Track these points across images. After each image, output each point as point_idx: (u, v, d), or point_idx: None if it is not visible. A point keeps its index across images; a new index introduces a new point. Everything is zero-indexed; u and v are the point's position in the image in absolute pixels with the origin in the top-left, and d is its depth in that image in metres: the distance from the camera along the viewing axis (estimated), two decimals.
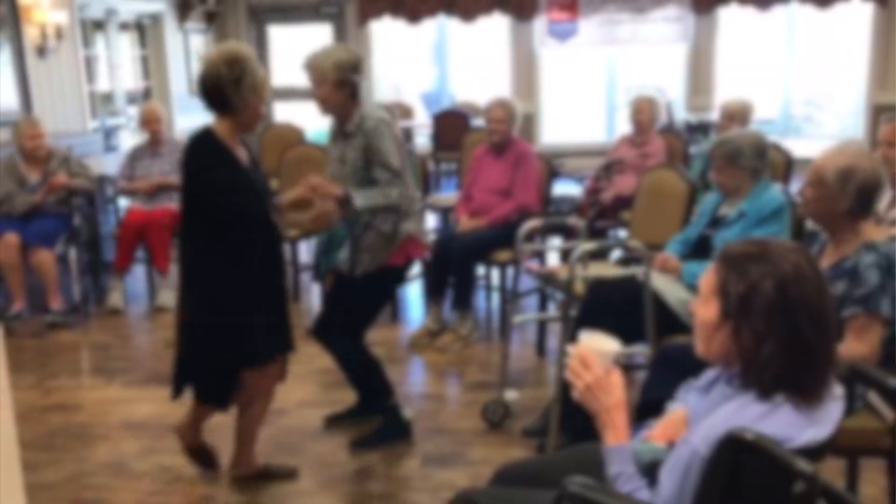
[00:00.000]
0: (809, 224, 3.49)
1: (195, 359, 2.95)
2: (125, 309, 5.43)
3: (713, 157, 3.46)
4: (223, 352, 2.88)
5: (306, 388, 4.02)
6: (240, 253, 2.81)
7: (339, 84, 3.13)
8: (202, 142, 2.84)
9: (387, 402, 3.46)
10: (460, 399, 4.02)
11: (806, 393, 1.52)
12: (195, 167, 2.80)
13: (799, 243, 1.62)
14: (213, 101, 2.81)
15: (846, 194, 2.46)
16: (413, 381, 4.34)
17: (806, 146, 6.88)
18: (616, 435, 1.64)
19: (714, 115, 5.44)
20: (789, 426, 1.49)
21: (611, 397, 1.65)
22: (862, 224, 2.53)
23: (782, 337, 1.50)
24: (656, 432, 1.70)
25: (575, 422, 2.86)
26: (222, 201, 2.76)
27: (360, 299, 3.32)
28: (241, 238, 2.81)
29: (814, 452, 1.49)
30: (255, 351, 2.92)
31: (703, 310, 1.61)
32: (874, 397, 2.55)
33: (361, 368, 3.45)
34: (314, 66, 3.16)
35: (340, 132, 3.27)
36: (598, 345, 1.70)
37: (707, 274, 1.62)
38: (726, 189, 3.42)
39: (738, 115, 5.04)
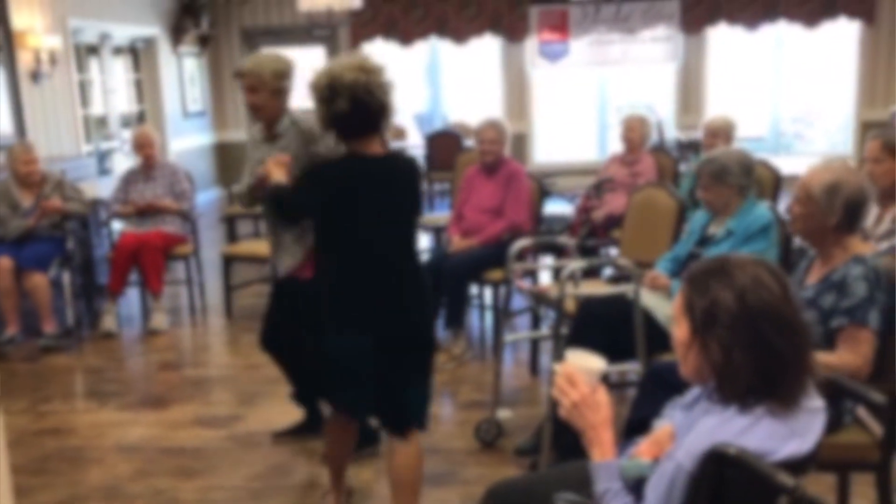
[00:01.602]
0: (797, 241, 3.53)
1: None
2: (119, 332, 5.43)
3: (699, 175, 3.49)
4: None
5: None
6: None
7: (277, 92, 3.16)
8: (412, 159, 2.85)
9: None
10: (453, 418, 4.03)
11: (782, 399, 1.55)
12: (417, 181, 2.76)
13: (762, 257, 1.66)
14: (370, 128, 2.57)
15: (833, 209, 2.50)
16: None
17: (795, 163, 6.93)
18: (602, 452, 1.66)
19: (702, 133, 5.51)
20: (771, 439, 1.52)
21: (597, 415, 1.67)
22: (849, 239, 2.57)
23: (748, 345, 1.55)
24: (642, 448, 1.72)
25: (567, 440, 2.87)
26: None
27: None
28: None
29: (797, 465, 1.51)
30: None
31: (677, 330, 1.66)
32: (863, 412, 2.58)
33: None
34: (252, 72, 3.15)
35: (267, 136, 3.26)
36: (584, 363, 1.72)
37: (677, 296, 1.67)
38: (714, 207, 3.46)
39: (721, 132, 5.08)
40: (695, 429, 1.57)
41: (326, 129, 2.59)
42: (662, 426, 1.75)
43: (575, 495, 1.78)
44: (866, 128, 9.17)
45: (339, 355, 2.61)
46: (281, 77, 3.16)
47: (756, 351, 1.54)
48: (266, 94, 3.15)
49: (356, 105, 2.47)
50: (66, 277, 5.39)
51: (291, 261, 3.16)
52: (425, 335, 2.71)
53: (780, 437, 1.52)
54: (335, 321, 2.61)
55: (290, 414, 3.78)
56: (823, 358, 2.43)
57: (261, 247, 5.11)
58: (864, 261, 2.50)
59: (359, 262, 2.58)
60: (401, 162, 2.72)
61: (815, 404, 1.60)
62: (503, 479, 2.17)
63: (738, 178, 3.36)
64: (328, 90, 2.49)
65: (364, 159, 2.58)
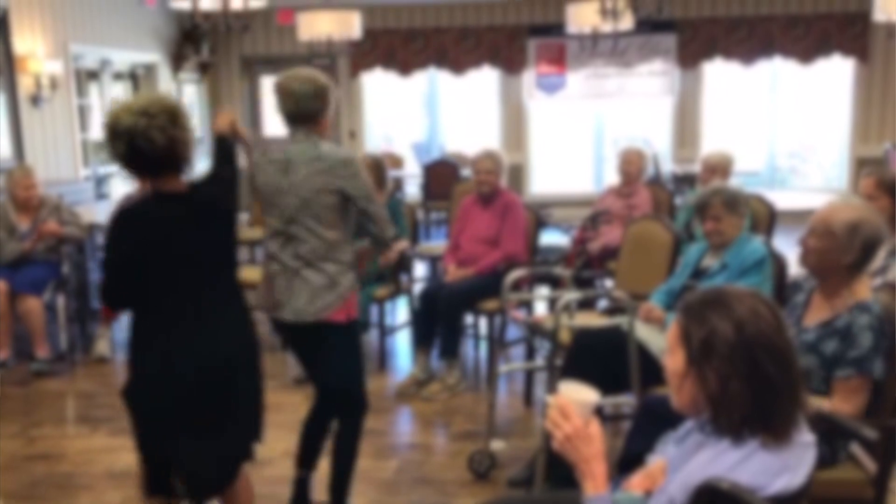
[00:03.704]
0: (791, 276, 3.54)
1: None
2: (112, 357, 5.41)
3: (711, 205, 3.47)
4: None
5: (291, 438, 4.00)
6: None
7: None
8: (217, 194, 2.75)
9: (296, 469, 3.22)
10: (446, 449, 4.00)
11: (775, 431, 1.55)
12: (229, 209, 2.70)
13: (756, 289, 1.67)
14: (162, 168, 2.47)
15: (852, 247, 2.50)
16: (400, 431, 4.32)
17: (791, 198, 6.99)
18: (595, 485, 1.66)
19: (700, 168, 5.55)
20: (763, 474, 1.52)
21: (590, 447, 1.67)
22: (857, 279, 2.56)
23: (745, 375, 1.55)
24: (635, 482, 1.71)
25: (561, 472, 2.85)
26: None
27: None
28: None
29: (788, 500, 1.51)
30: None
31: (671, 360, 1.66)
32: (857, 448, 2.57)
33: None
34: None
35: None
36: (577, 395, 1.72)
37: (671, 326, 1.67)
38: (723, 238, 3.44)
39: (719, 167, 5.13)
40: (687, 463, 1.57)
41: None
42: (655, 460, 1.74)
43: None
44: (860, 163, 9.25)
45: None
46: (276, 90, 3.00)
47: (753, 382, 1.55)
48: None
49: (133, 150, 2.37)
50: (61, 301, 5.38)
51: (333, 298, 2.92)
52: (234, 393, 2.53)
53: (772, 471, 1.52)
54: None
55: (281, 441, 3.76)
56: (818, 404, 2.42)
57: (255, 273, 5.11)
58: (868, 308, 2.49)
59: (162, 309, 2.47)
60: (204, 196, 2.59)
61: (806, 439, 1.60)
62: (498, 498, 2.16)
63: (746, 207, 3.42)
64: (107, 131, 2.40)
65: (162, 199, 2.47)
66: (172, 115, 2.39)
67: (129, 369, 2.55)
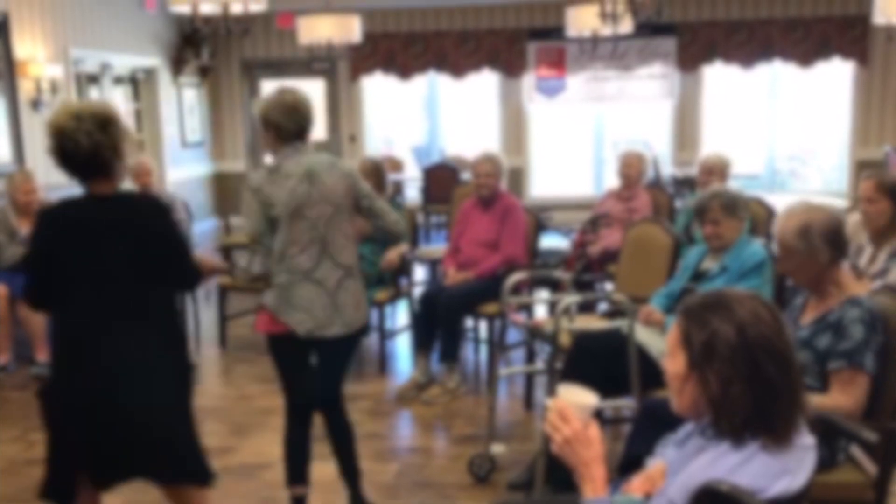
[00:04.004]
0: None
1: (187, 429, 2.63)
2: None
3: (707, 210, 3.49)
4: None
5: None
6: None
7: (264, 125, 2.97)
8: (150, 201, 2.64)
9: (288, 488, 3.19)
10: (447, 452, 4.00)
11: (776, 434, 1.55)
12: (161, 225, 2.54)
13: (756, 292, 1.67)
14: (92, 170, 2.48)
15: (817, 248, 2.53)
16: (400, 435, 4.32)
17: (791, 201, 6.99)
18: (594, 488, 1.66)
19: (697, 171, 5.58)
20: (763, 476, 1.52)
21: (589, 451, 1.67)
22: (842, 273, 2.58)
23: (747, 378, 1.55)
24: (634, 485, 1.71)
25: (561, 475, 2.85)
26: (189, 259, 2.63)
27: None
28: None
29: (788, 502, 1.50)
30: None
31: (672, 364, 1.65)
32: (857, 450, 2.57)
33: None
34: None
35: None
36: (576, 398, 1.72)
37: (671, 329, 1.67)
38: (722, 242, 3.45)
39: (716, 170, 5.13)
40: (687, 466, 1.57)
41: None
42: (655, 463, 1.74)
43: None
44: (860, 166, 9.25)
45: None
46: (262, 110, 2.97)
47: (754, 384, 1.55)
48: (260, 128, 3.02)
49: (62, 149, 2.43)
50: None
51: (363, 312, 3.08)
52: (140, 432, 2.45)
53: (772, 473, 1.52)
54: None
55: (278, 445, 3.76)
56: (817, 400, 2.43)
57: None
58: (860, 302, 2.51)
59: (65, 322, 2.48)
60: (132, 205, 2.55)
61: (806, 441, 1.60)
62: (498, 502, 2.15)
63: (745, 211, 3.41)
64: (47, 129, 2.47)
65: (87, 201, 2.50)
66: (101, 122, 2.43)
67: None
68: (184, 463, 2.58)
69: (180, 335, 2.70)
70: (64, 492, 2.54)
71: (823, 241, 2.53)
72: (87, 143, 2.41)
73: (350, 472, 3.23)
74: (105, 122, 2.44)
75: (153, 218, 2.53)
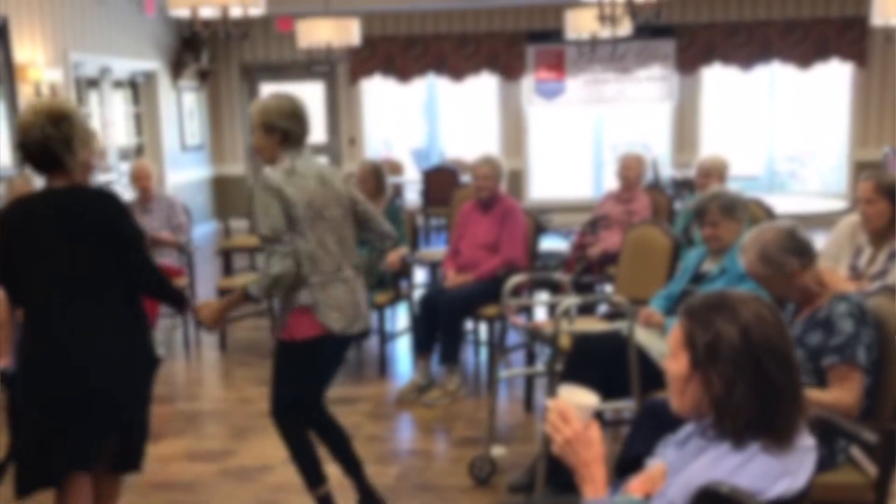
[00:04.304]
0: None
1: (138, 418, 2.78)
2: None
3: (705, 212, 3.50)
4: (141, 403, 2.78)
5: None
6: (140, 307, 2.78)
7: (267, 130, 2.97)
8: (106, 194, 2.69)
9: (313, 491, 3.16)
10: (447, 455, 4.00)
11: (778, 436, 1.56)
12: (111, 219, 2.62)
13: (758, 294, 1.67)
14: (43, 163, 2.61)
15: (783, 264, 2.59)
16: (400, 437, 4.32)
17: (790, 202, 6.99)
18: (594, 489, 1.66)
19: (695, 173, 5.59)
20: (764, 477, 1.52)
21: (590, 451, 1.67)
22: (820, 271, 2.65)
23: (750, 380, 1.56)
24: (634, 485, 1.71)
25: (562, 477, 2.85)
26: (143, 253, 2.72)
27: (276, 366, 3.14)
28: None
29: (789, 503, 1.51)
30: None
31: (674, 364, 1.65)
32: (857, 451, 2.57)
33: (288, 446, 3.18)
34: (249, 114, 3.10)
35: None
36: (577, 399, 1.72)
37: (674, 330, 1.67)
38: (721, 244, 3.46)
39: (714, 171, 5.13)
40: (688, 467, 1.57)
41: None
42: (655, 464, 1.74)
43: None
44: (859, 167, 9.26)
45: None
46: (268, 114, 2.97)
47: (758, 386, 1.55)
48: (257, 134, 3.02)
49: (20, 143, 2.62)
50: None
51: (280, 322, 3.09)
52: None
53: (772, 475, 1.52)
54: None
55: (280, 449, 3.76)
56: (817, 395, 2.44)
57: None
58: (847, 298, 2.56)
59: (28, 313, 2.62)
60: (81, 198, 2.62)
61: (806, 443, 1.60)
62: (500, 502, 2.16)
63: (744, 213, 3.42)
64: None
65: (44, 194, 2.65)
66: (54, 117, 2.57)
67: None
68: (132, 439, 2.78)
69: (141, 326, 2.77)
70: (41, 478, 2.65)
71: (784, 253, 2.59)
72: (37, 136, 2.56)
73: (354, 465, 3.24)
74: (59, 118, 2.58)
75: (100, 211, 2.61)
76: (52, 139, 2.56)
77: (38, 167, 2.63)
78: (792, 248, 2.59)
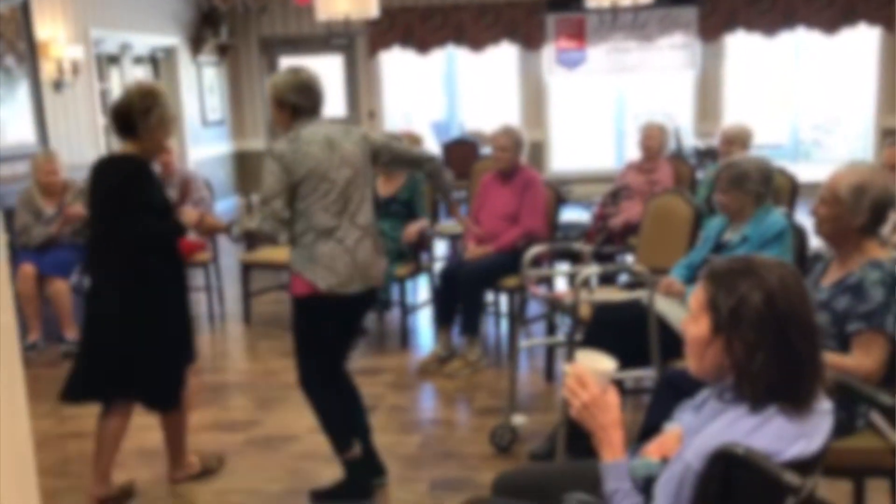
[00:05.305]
0: (812, 248, 3.52)
1: (139, 365, 3.16)
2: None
3: (719, 178, 3.49)
4: (170, 352, 3.22)
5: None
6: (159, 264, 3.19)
7: (279, 105, 3.10)
8: (126, 160, 3.11)
9: (342, 455, 3.22)
10: (469, 424, 4.04)
11: (797, 402, 1.56)
12: (120, 185, 3.06)
13: (784, 261, 1.66)
14: (121, 127, 3.09)
15: (860, 210, 2.50)
16: (422, 407, 4.37)
17: (815, 170, 6.92)
18: (612, 452, 1.68)
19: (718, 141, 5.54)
20: (779, 439, 1.53)
21: (607, 415, 1.68)
22: (869, 242, 2.57)
23: (772, 346, 1.55)
24: (651, 449, 1.73)
25: (582, 444, 2.87)
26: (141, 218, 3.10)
27: (295, 324, 3.23)
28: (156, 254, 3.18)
29: (804, 466, 1.51)
30: (192, 347, 3.35)
31: (695, 327, 1.65)
32: (876, 416, 2.57)
33: (314, 407, 3.22)
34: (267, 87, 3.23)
35: None
36: (594, 364, 1.74)
37: (695, 292, 1.67)
38: (729, 210, 3.45)
39: (737, 139, 5.09)
40: (704, 430, 1.58)
41: None
42: (672, 428, 1.76)
43: (585, 495, 1.80)
44: (887, 135, 9.11)
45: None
46: (279, 88, 3.07)
47: (779, 353, 1.55)
48: (273, 107, 3.14)
49: (112, 106, 3.15)
50: (87, 283, 5.45)
51: (379, 272, 3.22)
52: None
53: (788, 437, 1.53)
54: None
55: (305, 417, 3.82)
56: (838, 360, 2.43)
57: (279, 254, 5.15)
58: (881, 265, 2.49)
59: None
60: (99, 164, 3.16)
61: (823, 406, 1.61)
62: (513, 469, 2.18)
63: (756, 185, 3.37)
64: None
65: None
66: (143, 92, 3.13)
67: None
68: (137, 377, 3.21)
69: (144, 281, 3.15)
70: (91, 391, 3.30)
71: (869, 206, 2.50)
72: (125, 102, 3.09)
73: (363, 431, 3.31)
74: (146, 93, 3.11)
75: (103, 174, 3.11)
76: (134, 107, 3.04)
77: (116, 130, 3.10)
78: (877, 209, 2.51)
